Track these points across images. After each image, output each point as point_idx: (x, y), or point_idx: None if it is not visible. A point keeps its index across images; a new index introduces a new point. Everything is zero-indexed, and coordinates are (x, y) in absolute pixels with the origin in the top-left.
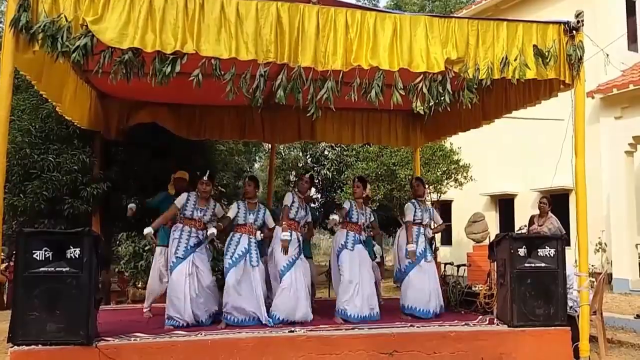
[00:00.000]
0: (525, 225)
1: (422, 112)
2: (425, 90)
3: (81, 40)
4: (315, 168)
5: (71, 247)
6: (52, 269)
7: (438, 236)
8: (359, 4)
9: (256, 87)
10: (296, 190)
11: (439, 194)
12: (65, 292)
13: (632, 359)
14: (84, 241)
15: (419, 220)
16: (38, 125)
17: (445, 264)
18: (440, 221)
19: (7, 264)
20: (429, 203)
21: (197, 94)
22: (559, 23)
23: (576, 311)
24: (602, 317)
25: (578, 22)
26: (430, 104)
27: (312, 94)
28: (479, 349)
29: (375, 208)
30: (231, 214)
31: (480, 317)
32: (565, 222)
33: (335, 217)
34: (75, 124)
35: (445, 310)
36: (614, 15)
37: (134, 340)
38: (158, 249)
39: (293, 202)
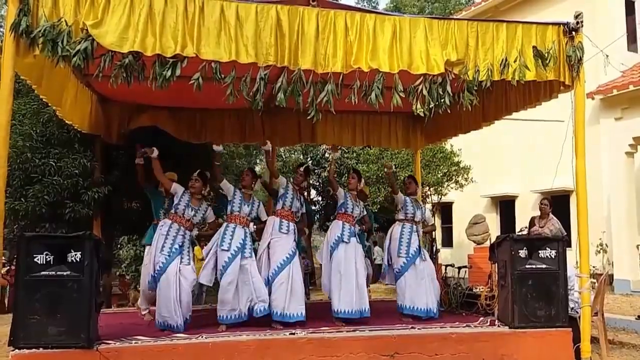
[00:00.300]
0: (526, 227)
1: (422, 114)
2: (425, 92)
3: (81, 44)
4: (316, 170)
5: (72, 251)
6: (53, 272)
7: (439, 238)
8: (358, 6)
9: (256, 90)
10: (293, 184)
11: (439, 196)
12: (66, 296)
13: (633, 359)
14: (85, 245)
15: (411, 216)
16: (39, 129)
17: (446, 265)
18: (432, 221)
19: (8, 267)
20: (429, 206)
21: (198, 98)
22: (558, 24)
23: (577, 312)
24: (604, 318)
25: (577, 23)
26: (431, 106)
27: (313, 96)
28: (480, 351)
29: (376, 210)
30: (227, 191)
31: (482, 318)
32: (566, 223)
33: (335, 154)
34: (76, 128)
35: (444, 310)
36: (614, 15)
37: (135, 343)
38: (147, 249)
39: (287, 187)
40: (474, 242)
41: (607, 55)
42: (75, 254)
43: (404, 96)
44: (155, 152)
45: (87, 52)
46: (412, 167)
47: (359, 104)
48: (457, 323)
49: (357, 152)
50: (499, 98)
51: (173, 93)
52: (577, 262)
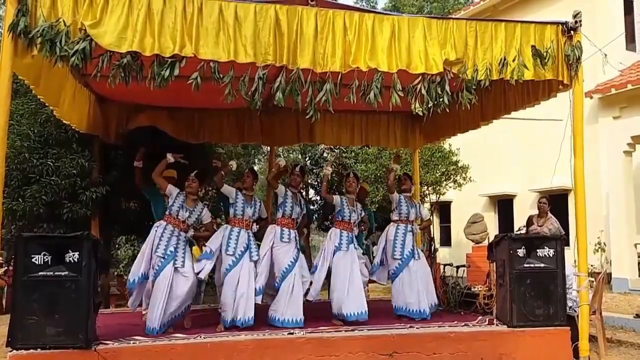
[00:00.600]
0: (524, 226)
1: (420, 113)
2: (424, 91)
3: (80, 44)
4: (315, 170)
5: (70, 251)
6: (51, 273)
7: (437, 237)
8: (357, 6)
9: (255, 90)
10: (290, 187)
11: (438, 195)
12: (64, 296)
13: (631, 358)
14: (83, 245)
15: (405, 216)
16: (37, 129)
17: (445, 264)
18: (428, 216)
19: (6, 268)
20: (427, 205)
21: (196, 97)
22: (556, 23)
23: (575, 311)
24: (602, 316)
25: (576, 22)
26: (429, 105)
27: (311, 96)
28: (479, 350)
29: (374, 210)
30: (230, 194)
31: (480, 317)
32: (564, 222)
33: (327, 171)
34: (74, 128)
35: (443, 310)
36: (612, 15)
37: (133, 343)
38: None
39: (286, 195)
40: (473, 241)
41: (605, 55)
42: (73, 254)
43: (402, 95)
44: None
45: (85, 52)
46: (410, 167)
47: (357, 104)
48: (456, 322)
49: (356, 151)
50: (498, 97)
51: (171, 93)
52: (575, 260)
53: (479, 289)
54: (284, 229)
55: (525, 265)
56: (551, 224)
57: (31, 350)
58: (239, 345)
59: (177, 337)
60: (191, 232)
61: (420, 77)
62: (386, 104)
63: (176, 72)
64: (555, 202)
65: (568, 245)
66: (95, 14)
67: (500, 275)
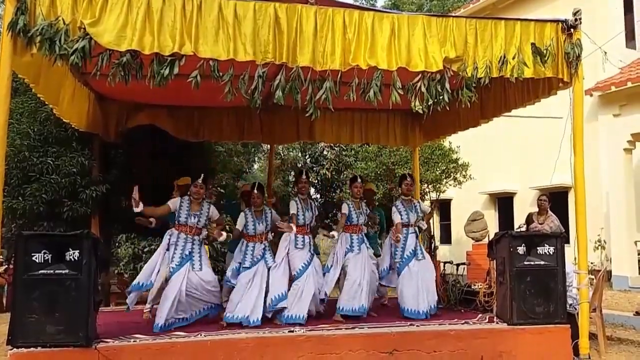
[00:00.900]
0: (524, 224)
1: (420, 111)
2: (423, 89)
3: (79, 43)
4: (315, 168)
5: (70, 250)
6: (52, 271)
7: (437, 235)
8: (357, 4)
9: (255, 88)
10: (299, 196)
11: (438, 193)
12: (65, 295)
13: (631, 355)
14: (83, 243)
15: (406, 222)
16: (37, 128)
17: (445, 262)
18: (428, 210)
19: (6, 266)
20: (427, 202)
21: (196, 96)
22: (556, 21)
23: (576, 309)
24: (602, 314)
25: (576, 20)
26: (429, 103)
27: (311, 94)
28: (479, 347)
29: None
30: (239, 226)
31: (480, 315)
32: (564, 220)
33: (334, 233)
34: (74, 126)
35: (443, 307)
36: (612, 12)
37: (133, 341)
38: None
39: (297, 207)
40: (473, 238)
41: (605, 52)
42: (74, 253)
43: (402, 93)
44: (141, 207)
45: (84, 51)
46: (410, 165)
47: (357, 102)
48: (456, 320)
49: (356, 149)
50: (498, 95)
51: (171, 91)
52: (575, 258)
53: (479, 286)
54: (297, 236)
55: (526, 262)
56: (551, 222)
57: (31, 349)
58: (240, 343)
59: (177, 336)
60: (204, 233)
61: (420, 75)
62: (386, 102)
63: (176, 70)
64: (556, 199)
65: (568, 242)
66: (95, 12)
67: (501, 272)
